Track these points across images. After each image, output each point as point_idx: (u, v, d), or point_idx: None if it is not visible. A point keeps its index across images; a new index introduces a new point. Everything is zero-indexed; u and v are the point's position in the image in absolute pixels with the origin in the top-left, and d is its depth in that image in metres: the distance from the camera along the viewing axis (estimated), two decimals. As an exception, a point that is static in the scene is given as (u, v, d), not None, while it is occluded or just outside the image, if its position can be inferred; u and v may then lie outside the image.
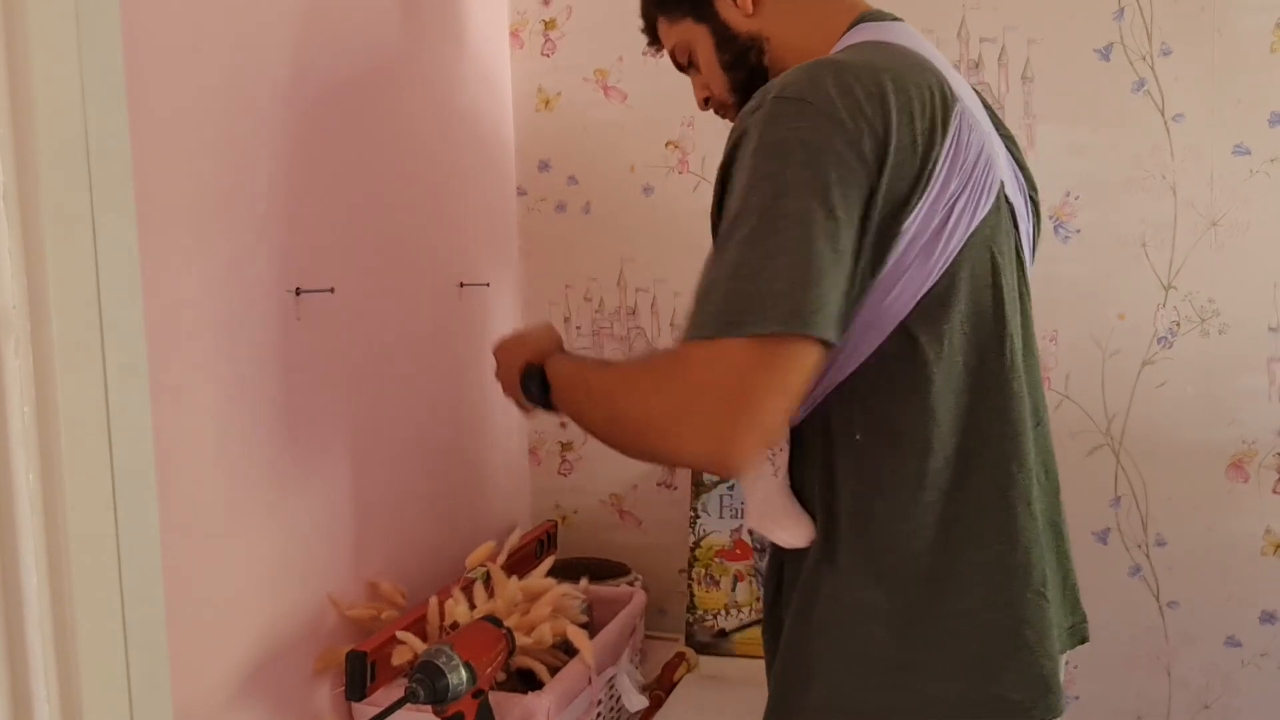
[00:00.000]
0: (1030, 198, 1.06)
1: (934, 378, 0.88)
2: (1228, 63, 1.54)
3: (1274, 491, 1.57)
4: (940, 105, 0.88)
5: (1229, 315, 1.57)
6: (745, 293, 0.80)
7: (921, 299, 0.88)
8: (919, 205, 0.86)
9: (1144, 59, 1.57)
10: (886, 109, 0.84)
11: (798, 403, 0.84)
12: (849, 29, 0.98)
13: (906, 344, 0.88)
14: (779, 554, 0.99)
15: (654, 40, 1.15)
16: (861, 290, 0.86)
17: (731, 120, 1.09)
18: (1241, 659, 1.60)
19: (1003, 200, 0.94)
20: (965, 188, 0.88)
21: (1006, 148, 1.04)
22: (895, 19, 0.99)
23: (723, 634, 1.60)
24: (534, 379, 1.06)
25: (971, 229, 0.89)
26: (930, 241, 0.87)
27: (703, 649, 1.63)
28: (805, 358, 0.81)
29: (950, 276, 0.88)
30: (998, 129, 1.04)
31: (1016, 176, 1.03)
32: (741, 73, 1.05)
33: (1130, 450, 1.62)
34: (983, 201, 0.90)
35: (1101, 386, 1.62)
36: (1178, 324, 1.59)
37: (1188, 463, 1.60)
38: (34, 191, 0.85)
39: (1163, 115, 1.57)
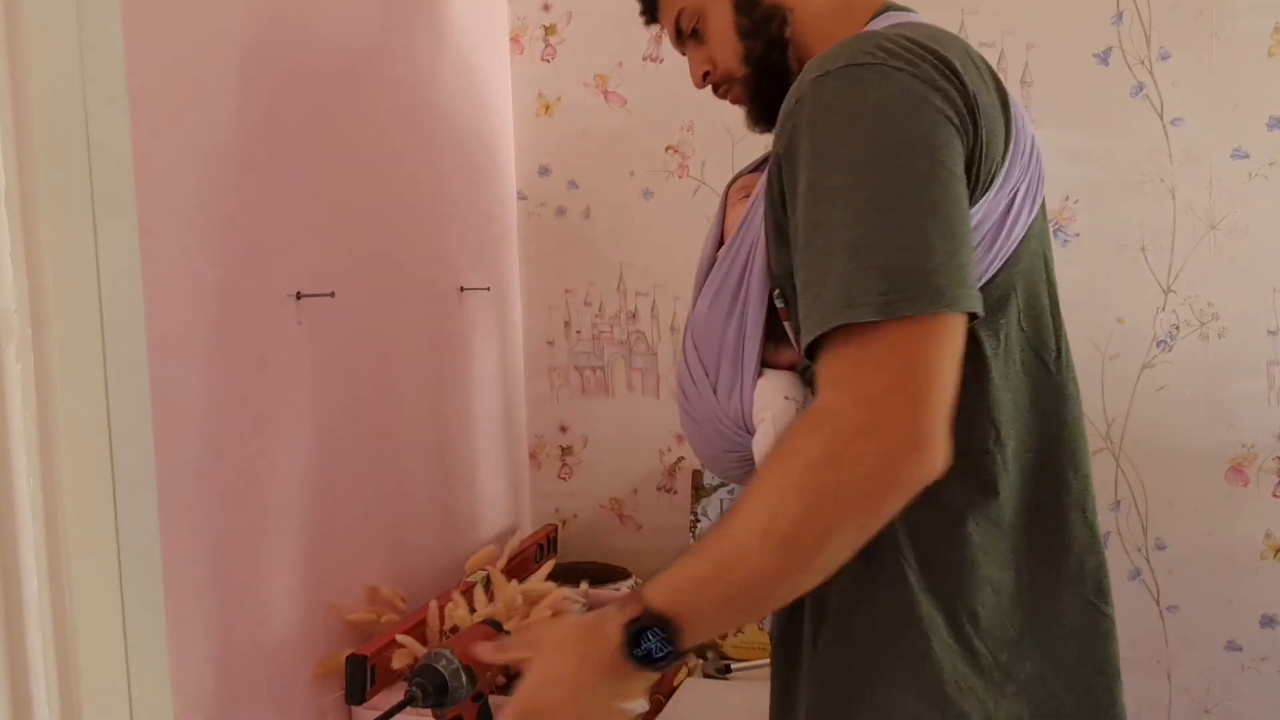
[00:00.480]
0: None
1: (992, 376, 0.82)
2: (1226, 67, 1.54)
3: (1274, 495, 1.57)
4: (998, 102, 0.81)
5: (1228, 319, 1.57)
6: (887, 269, 0.70)
7: (980, 290, 0.79)
8: (996, 183, 0.80)
9: (1142, 63, 1.57)
10: (968, 71, 0.78)
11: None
12: (876, 15, 0.91)
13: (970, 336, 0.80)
14: (820, 608, 0.88)
15: (649, 8, 1.04)
16: None
17: (734, 100, 1.02)
18: (1242, 663, 1.60)
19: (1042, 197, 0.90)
20: (1025, 177, 0.83)
21: None
22: (915, 12, 0.94)
23: (728, 669, 1.60)
24: (651, 634, 0.72)
25: (1030, 220, 0.84)
26: (994, 229, 0.81)
27: (707, 676, 1.63)
28: (959, 336, 0.72)
29: (1009, 269, 0.83)
30: None
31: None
32: (759, 43, 0.95)
33: (1130, 454, 1.62)
34: (1036, 194, 0.85)
35: (1101, 390, 1.62)
36: (1177, 328, 1.59)
37: (1187, 466, 1.60)
38: (35, 196, 0.85)
39: (1161, 119, 1.57)
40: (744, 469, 0.95)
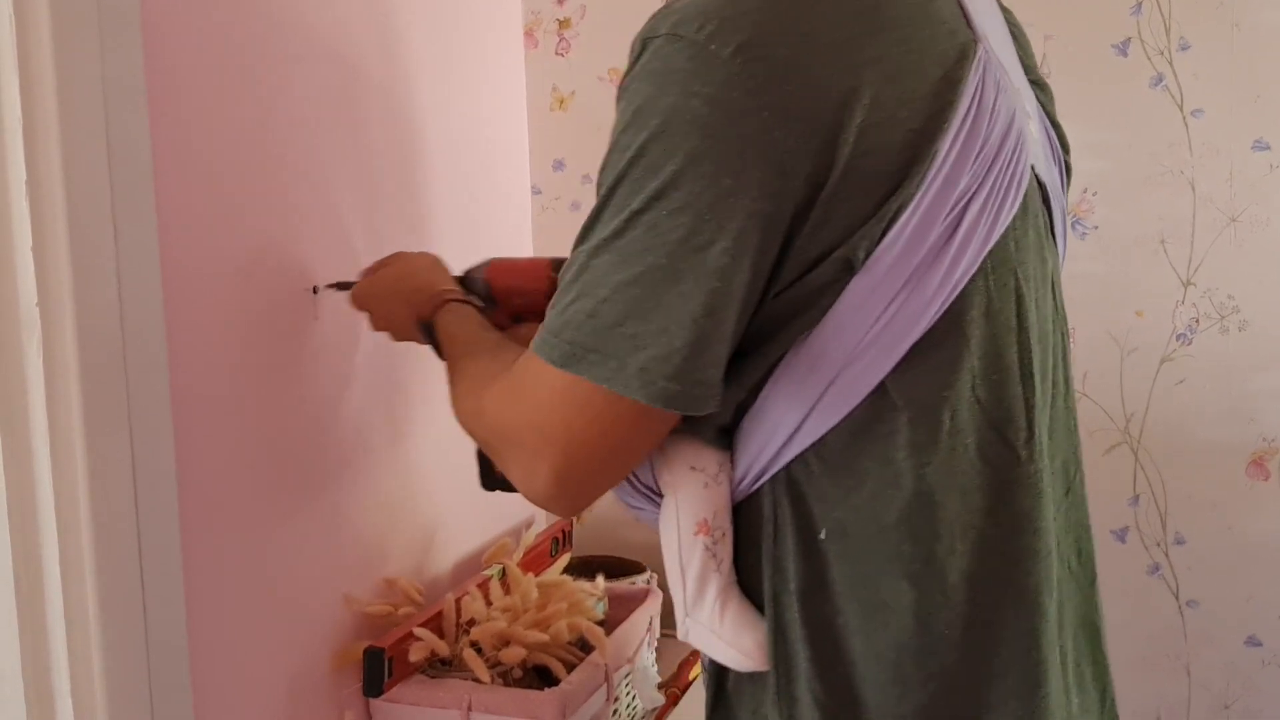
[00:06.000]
0: (1065, 164, 0.83)
1: (927, 471, 0.63)
2: (1247, 58, 1.52)
3: (1295, 489, 1.56)
4: (952, 56, 0.62)
5: (1249, 312, 1.56)
6: (602, 328, 0.60)
7: (909, 353, 0.62)
8: (905, 216, 0.60)
9: (1162, 54, 1.56)
10: (852, 60, 0.59)
11: (641, 460, 0.69)
12: None
13: (888, 416, 0.63)
14: (720, 672, 0.74)
15: None
16: (775, 337, 0.63)
17: None
18: (1262, 659, 1.59)
19: (1034, 187, 0.71)
20: (985, 183, 0.63)
21: (1037, 98, 0.81)
22: None
23: None
24: (427, 334, 1.01)
25: (990, 244, 0.64)
26: (922, 268, 0.61)
27: None
28: (660, 424, 0.64)
29: (955, 318, 0.63)
30: (1027, 72, 0.81)
31: (1050, 138, 0.81)
32: None
33: (1149, 448, 1.61)
34: (1009, 201, 0.65)
35: (1120, 384, 1.61)
36: (1197, 321, 1.58)
37: (1207, 461, 1.58)
38: (55, 190, 0.85)
39: (1181, 111, 1.56)
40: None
